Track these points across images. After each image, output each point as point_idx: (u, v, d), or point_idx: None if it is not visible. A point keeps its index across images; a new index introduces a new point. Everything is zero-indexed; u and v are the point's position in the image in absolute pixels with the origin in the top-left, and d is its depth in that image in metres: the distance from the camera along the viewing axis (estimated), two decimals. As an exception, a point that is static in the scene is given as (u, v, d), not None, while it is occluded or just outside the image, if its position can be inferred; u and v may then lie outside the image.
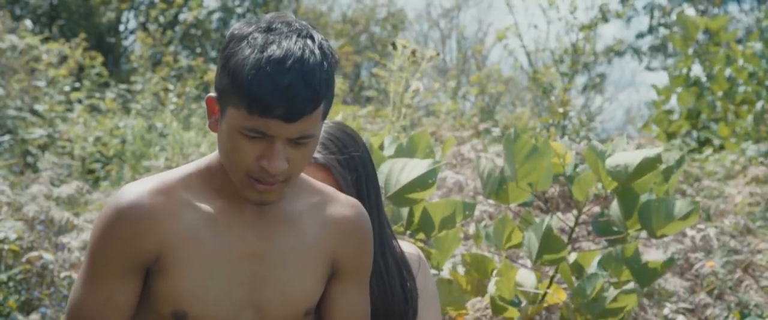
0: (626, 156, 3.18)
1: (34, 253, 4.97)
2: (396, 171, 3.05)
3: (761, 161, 8.07)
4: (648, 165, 3.15)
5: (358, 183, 2.47)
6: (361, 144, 2.51)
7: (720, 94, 10.41)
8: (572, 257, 3.47)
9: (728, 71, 10.46)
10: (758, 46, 10.57)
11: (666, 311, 4.90)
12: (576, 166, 3.40)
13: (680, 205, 3.19)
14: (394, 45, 3.92)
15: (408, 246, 2.62)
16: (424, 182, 3.05)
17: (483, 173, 3.35)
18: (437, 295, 2.63)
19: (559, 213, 3.58)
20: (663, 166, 3.33)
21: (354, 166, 2.47)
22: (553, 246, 3.28)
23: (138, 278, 1.91)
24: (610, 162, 3.19)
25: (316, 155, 2.43)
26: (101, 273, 1.90)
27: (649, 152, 3.15)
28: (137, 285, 1.92)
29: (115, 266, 1.89)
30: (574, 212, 3.49)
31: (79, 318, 1.91)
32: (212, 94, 1.89)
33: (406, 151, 3.24)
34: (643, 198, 3.25)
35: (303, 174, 2.04)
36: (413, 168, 3.05)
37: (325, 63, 1.82)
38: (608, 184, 3.23)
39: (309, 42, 1.82)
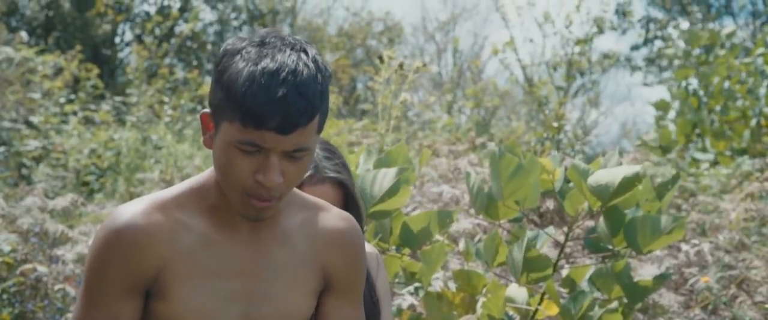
0: (606, 174, 3.17)
1: (28, 266, 4.97)
2: (368, 187, 3.04)
3: (757, 177, 8.07)
4: (628, 183, 3.14)
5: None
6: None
7: (717, 107, 10.42)
8: (565, 272, 3.47)
9: (727, 84, 10.46)
10: (759, 61, 10.56)
11: (660, 326, 4.90)
12: (569, 181, 3.39)
13: (666, 220, 3.18)
14: (381, 58, 3.92)
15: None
16: (394, 190, 3.04)
17: (473, 189, 3.34)
18: (390, 292, 2.65)
19: (551, 228, 3.56)
20: (658, 181, 3.33)
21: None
22: (538, 264, 3.27)
23: (139, 298, 1.90)
24: (591, 181, 3.17)
25: (331, 174, 2.47)
26: (104, 295, 1.89)
27: (629, 170, 3.13)
28: (139, 306, 1.91)
29: (116, 288, 1.88)
30: (565, 229, 3.48)
31: None
32: (206, 110, 1.88)
33: (383, 166, 3.22)
34: (630, 214, 3.24)
35: (296, 190, 2.04)
36: (383, 179, 3.04)
37: (319, 76, 1.81)
38: (593, 202, 3.22)
39: (303, 55, 1.82)
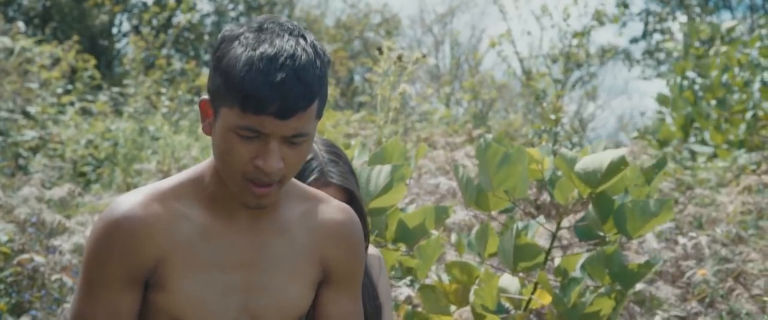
0: (593, 160, 3.17)
1: (25, 256, 4.97)
2: (363, 184, 3.04)
3: (754, 170, 8.08)
4: (615, 167, 3.14)
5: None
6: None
7: (714, 101, 10.42)
8: (558, 261, 3.47)
9: (724, 78, 10.46)
10: (754, 53, 10.56)
11: (657, 319, 4.90)
12: (559, 171, 3.39)
13: (654, 204, 3.18)
14: (380, 50, 3.92)
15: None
16: (389, 188, 3.04)
17: (462, 181, 3.34)
18: (391, 294, 2.65)
19: (541, 217, 3.57)
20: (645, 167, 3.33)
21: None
22: (528, 253, 3.27)
23: (138, 290, 1.89)
24: (578, 167, 3.18)
25: (336, 180, 2.46)
26: (103, 287, 1.88)
27: (615, 154, 3.14)
28: (138, 297, 1.90)
29: (114, 279, 1.87)
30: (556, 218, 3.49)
31: None
32: (205, 96, 1.87)
33: (379, 161, 3.21)
34: (618, 200, 3.24)
35: (296, 181, 2.03)
36: (378, 176, 3.04)
37: (317, 61, 1.80)
38: (582, 189, 3.22)
39: (301, 40, 1.81)
